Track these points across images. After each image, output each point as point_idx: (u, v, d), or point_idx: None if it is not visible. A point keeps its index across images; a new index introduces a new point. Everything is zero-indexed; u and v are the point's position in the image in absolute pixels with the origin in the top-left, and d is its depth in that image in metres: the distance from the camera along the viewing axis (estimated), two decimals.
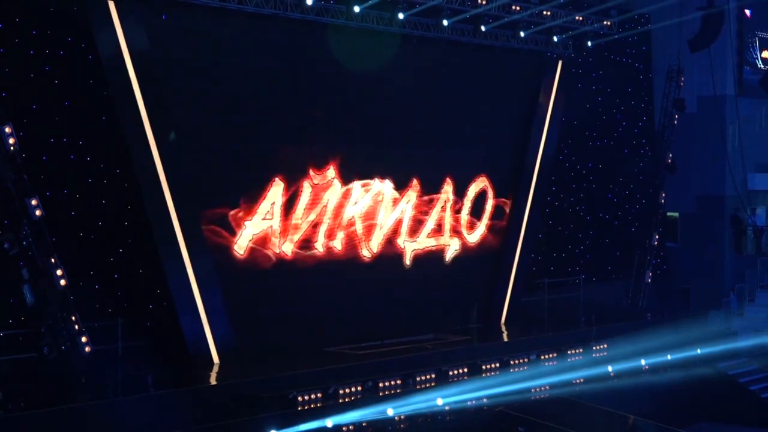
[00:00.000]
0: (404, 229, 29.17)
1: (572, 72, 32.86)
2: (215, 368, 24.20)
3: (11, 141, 20.16)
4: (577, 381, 26.54)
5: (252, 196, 25.46)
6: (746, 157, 36.76)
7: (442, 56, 29.10)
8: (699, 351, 28.85)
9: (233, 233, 25.17)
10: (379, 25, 26.52)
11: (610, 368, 27.50)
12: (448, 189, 30.19)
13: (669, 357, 28.50)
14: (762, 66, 37.54)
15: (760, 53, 37.38)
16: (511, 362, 26.84)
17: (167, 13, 23.30)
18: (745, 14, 36.90)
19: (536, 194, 32.10)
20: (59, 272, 20.68)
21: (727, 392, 29.29)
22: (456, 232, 30.72)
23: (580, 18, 30.40)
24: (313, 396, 22.68)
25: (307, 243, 26.85)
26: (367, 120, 27.77)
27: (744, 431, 26.51)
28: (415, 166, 29.21)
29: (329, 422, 22.31)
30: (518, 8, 28.52)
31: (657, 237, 36.11)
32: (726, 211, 36.57)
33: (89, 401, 20.30)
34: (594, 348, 28.52)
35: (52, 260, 20.70)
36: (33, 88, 21.97)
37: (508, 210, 31.96)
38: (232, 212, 25.09)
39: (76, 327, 21.05)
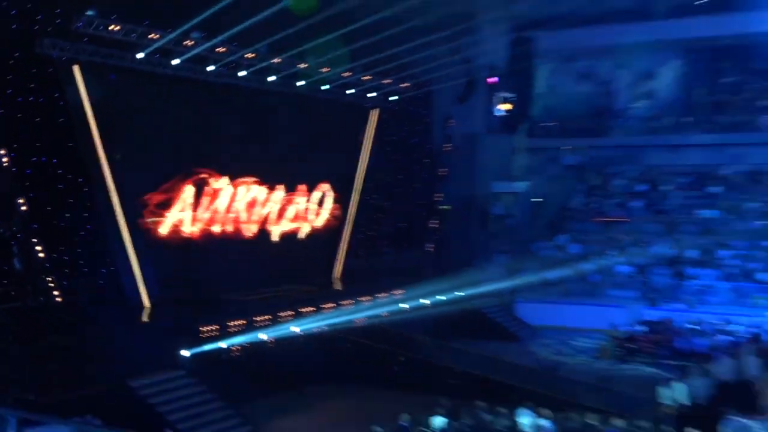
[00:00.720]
0: (273, 217, 29.27)
1: (384, 116, 33.19)
2: (146, 311, 23.97)
3: (5, 159, 20.85)
4: (384, 314, 26.87)
5: (171, 196, 25.25)
6: (491, 171, 37.80)
7: (303, 105, 29.16)
8: (461, 293, 29.42)
9: (159, 220, 24.93)
10: (261, 85, 26.68)
11: (405, 305, 27.90)
12: (302, 190, 30.35)
13: (442, 298, 29.01)
14: (501, 114, 38.53)
15: (499, 106, 38.34)
16: (342, 303, 27.05)
17: (117, 72, 23.14)
18: (491, 81, 37.84)
19: (361, 195, 32.58)
20: (38, 248, 20.91)
21: (477, 319, 30.04)
22: (307, 218, 30.90)
23: (388, 81, 30.82)
24: (212, 327, 22.63)
25: (209, 226, 26.71)
26: (250, 145, 27.70)
27: (486, 344, 27.15)
28: (281, 175, 29.24)
29: (223, 344, 22.31)
30: (349, 74, 28.83)
31: (435, 222, 36.97)
32: (476, 205, 37.48)
33: (62, 334, 20.31)
34: (394, 293, 28.87)
35: (34, 240, 20.94)
36: (21, 124, 21.55)
37: (341, 204, 32.23)
38: (158, 206, 24.91)
39: (51, 285, 21.39)
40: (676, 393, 17.84)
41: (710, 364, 19.56)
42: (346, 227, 32.55)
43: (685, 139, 37.13)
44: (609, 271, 32.43)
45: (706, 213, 34.34)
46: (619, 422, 16.25)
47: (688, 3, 35.90)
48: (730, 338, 25.01)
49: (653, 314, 29.01)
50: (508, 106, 38.63)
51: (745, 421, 15.36)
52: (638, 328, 27.78)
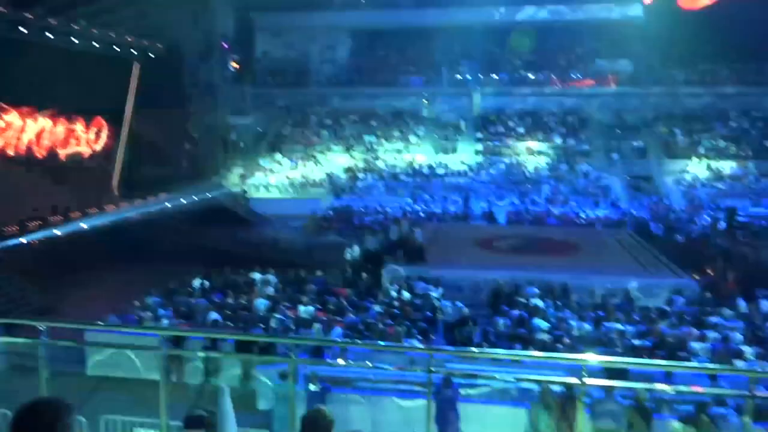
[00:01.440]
0: (60, 142, 25.40)
1: (145, 69, 29.83)
2: None
3: None
4: (153, 211, 25.02)
5: None
6: (227, 109, 35.92)
7: (80, 59, 24.95)
8: (209, 194, 28.14)
9: None
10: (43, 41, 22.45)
11: (168, 204, 26.10)
12: (81, 122, 26.60)
13: (195, 198, 27.42)
14: (233, 70, 36.57)
15: (232, 64, 36.32)
16: (120, 204, 24.78)
17: None
18: (225, 46, 35.65)
19: (130, 126, 29.29)
20: None
21: (222, 211, 28.56)
22: (88, 143, 27.31)
23: (147, 42, 27.74)
24: (13, 228, 19.57)
25: (4, 150, 22.59)
26: (38, 88, 23.30)
27: (229, 227, 26.33)
28: (64, 112, 25.32)
29: (23, 239, 19.44)
30: (114, 35, 25.42)
31: (188, 145, 34.43)
32: (218, 133, 35.42)
33: None
34: (160, 196, 26.89)
35: None
36: None
37: (115, 133, 28.82)
38: None
39: None
40: (354, 252, 18.64)
41: (380, 231, 20.51)
42: (119, 150, 29.31)
43: (355, 91, 38.14)
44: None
45: (370, 138, 35.73)
46: (319, 273, 16.69)
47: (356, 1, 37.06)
48: (386, 216, 26.59)
49: (338, 203, 29.96)
50: (236, 65, 36.88)
51: (396, 266, 16.44)
52: (329, 212, 28.55)
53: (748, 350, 10.61)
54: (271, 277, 15.99)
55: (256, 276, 16.10)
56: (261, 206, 31.06)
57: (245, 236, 24.56)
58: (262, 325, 12.25)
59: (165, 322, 12.49)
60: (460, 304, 13.15)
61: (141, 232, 23.57)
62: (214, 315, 12.72)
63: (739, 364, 10.00)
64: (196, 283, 15.68)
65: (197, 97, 34.44)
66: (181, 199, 26.75)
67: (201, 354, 11.09)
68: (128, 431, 8.07)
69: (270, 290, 15.07)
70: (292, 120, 38.05)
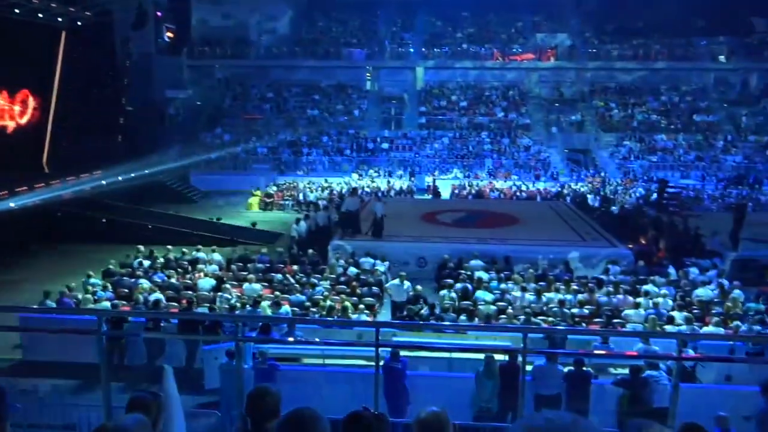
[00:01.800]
0: None
1: (72, 37, 28.18)
2: None
3: None
4: (88, 189, 23.99)
5: None
6: (163, 82, 34.43)
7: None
8: (146, 171, 27.17)
9: None
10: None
11: (103, 182, 25.09)
12: (3, 94, 24.96)
13: (132, 174, 26.53)
14: (167, 40, 34.95)
15: (166, 33, 34.74)
16: (51, 183, 23.55)
17: None
18: (159, 14, 34.02)
19: (59, 99, 27.65)
20: None
21: (161, 188, 28.08)
22: (13, 117, 25.74)
23: (73, 9, 26.17)
24: None
25: None
26: None
27: (169, 205, 25.58)
28: None
29: None
30: (37, 1, 23.88)
31: (122, 119, 32.97)
32: (154, 107, 34.02)
33: None
34: (95, 173, 25.78)
35: None
36: None
37: (42, 106, 27.20)
38: None
39: None
40: (300, 227, 18.50)
41: (326, 206, 20.26)
42: (48, 124, 27.70)
43: (296, 62, 37.42)
44: (252, 151, 32.20)
45: (312, 112, 35.27)
46: (264, 249, 16.53)
47: None
48: (332, 191, 26.43)
49: (282, 179, 29.57)
50: (171, 34, 35.37)
51: (341, 242, 16.42)
52: (273, 188, 28.16)
53: (677, 315, 11.23)
54: (216, 256, 15.74)
55: (200, 253, 15.81)
56: (203, 182, 30.39)
57: (186, 214, 23.94)
58: (207, 305, 12.07)
59: (105, 303, 12.14)
60: (410, 285, 13.14)
61: (75, 211, 22.61)
62: (156, 295, 12.44)
63: (669, 329, 10.59)
64: (136, 262, 15.27)
65: (131, 68, 32.95)
66: (118, 177, 25.77)
67: (143, 335, 10.85)
68: (70, 417, 7.85)
69: (214, 269, 14.83)
70: (232, 93, 37.12)
